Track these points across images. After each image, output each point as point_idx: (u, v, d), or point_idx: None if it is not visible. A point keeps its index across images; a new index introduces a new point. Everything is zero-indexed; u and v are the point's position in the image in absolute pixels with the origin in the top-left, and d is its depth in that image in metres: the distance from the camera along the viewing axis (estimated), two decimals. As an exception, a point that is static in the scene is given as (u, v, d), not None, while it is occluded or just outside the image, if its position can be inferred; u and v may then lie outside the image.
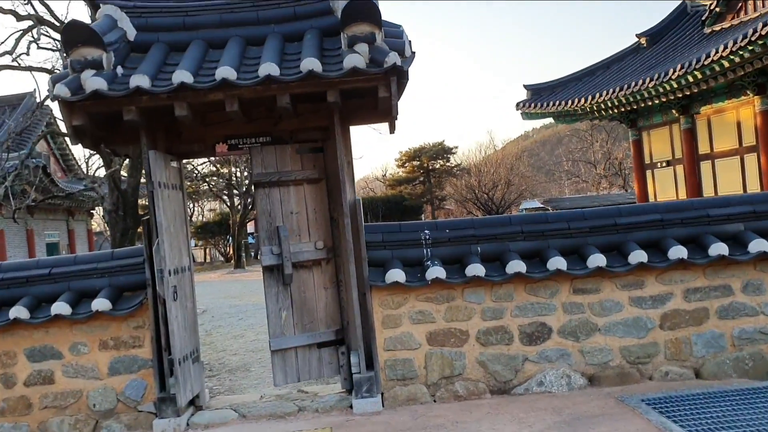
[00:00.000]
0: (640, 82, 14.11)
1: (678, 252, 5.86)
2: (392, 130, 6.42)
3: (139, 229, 12.85)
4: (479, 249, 6.10)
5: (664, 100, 14.46)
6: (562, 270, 5.86)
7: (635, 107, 15.83)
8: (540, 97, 18.84)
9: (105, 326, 5.97)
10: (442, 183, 50.38)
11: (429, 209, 51.05)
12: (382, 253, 6.08)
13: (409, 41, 5.69)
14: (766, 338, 5.98)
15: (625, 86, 14.73)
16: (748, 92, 13.21)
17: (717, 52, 11.68)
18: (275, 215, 6.06)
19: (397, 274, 5.83)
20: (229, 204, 43.01)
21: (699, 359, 5.99)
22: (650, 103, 15.04)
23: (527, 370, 5.98)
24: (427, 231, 6.15)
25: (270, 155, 6.08)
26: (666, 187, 16.89)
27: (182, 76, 5.31)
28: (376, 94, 5.55)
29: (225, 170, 41.43)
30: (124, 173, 15.29)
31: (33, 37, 13.14)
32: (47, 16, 13.24)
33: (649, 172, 17.74)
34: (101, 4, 6.19)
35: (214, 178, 43.42)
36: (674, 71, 12.99)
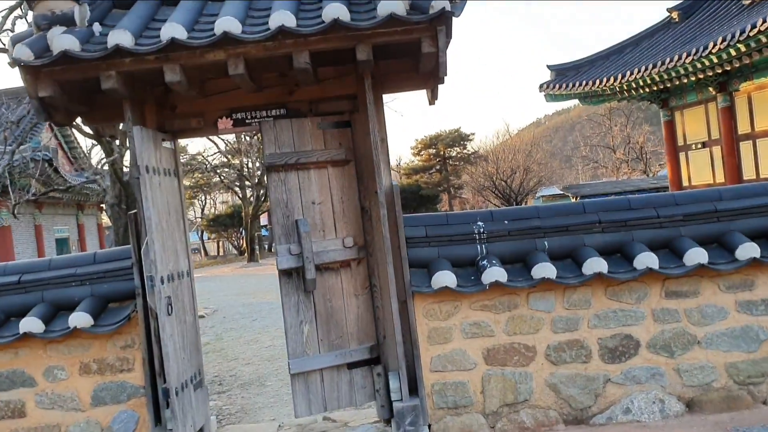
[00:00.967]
0: (676, 57, 13.29)
1: (801, 244, 4.65)
2: (434, 98, 5.24)
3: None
4: (546, 244, 4.91)
5: (701, 76, 13.60)
6: (653, 269, 4.66)
7: (668, 86, 14.97)
8: (565, 77, 18.06)
9: (86, 346, 4.86)
10: (459, 171, 49.14)
11: (446, 198, 49.81)
12: (425, 251, 4.91)
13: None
14: None
15: (659, 63, 13.92)
16: (793, 66, 12.17)
17: (765, 21, 10.57)
18: (293, 206, 4.90)
19: (446, 277, 4.66)
20: (241, 196, 42.04)
21: (826, 378, 4.79)
22: (685, 81, 14.21)
23: (610, 394, 4.80)
24: (480, 223, 4.96)
25: (285, 131, 4.91)
26: (701, 170, 16.04)
27: (173, 30, 4.15)
28: (417, 50, 4.37)
29: (236, 161, 40.40)
30: (128, 164, 14.17)
31: (21, 12, 12.01)
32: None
33: (682, 155, 16.88)
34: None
35: (226, 170, 42.46)
36: (714, 45, 12.12)
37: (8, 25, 12.33)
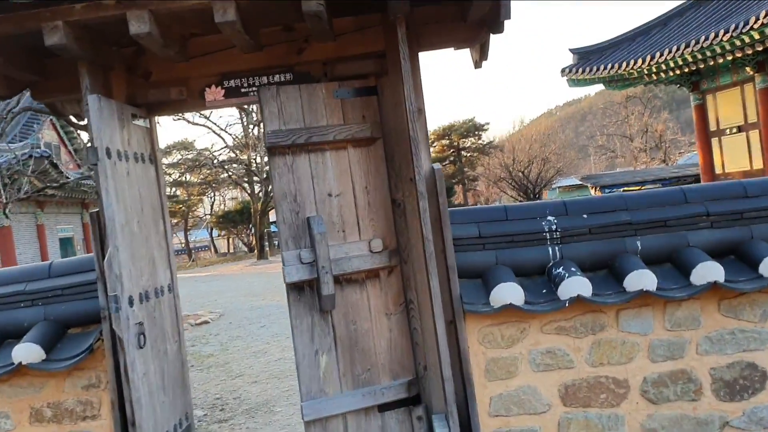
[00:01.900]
0: (712, 35, 12.43)
1: None
2: (482, 58, 4.08)
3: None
4: (639, 244, 3.72)
5: (738, 55, 12.62)
6: (787, 276, 3.47)
7: (700, 67, 14.05)
8: (588, 61, 17.24)
9: (38, 386, 3.73)
10: (473, 162, 47.89)
11: (460, 190, 48.58)
12: (479, 256, 3.74)
13: None
14: None
15: (692, 42, 13.06)
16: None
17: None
18: (303, 199, 3.74)
19: (509, 292, 3.49)
20: (249, 192, 41.01)
21: None
22: (720, 61, 13.29)
23: (728, 442, 3.62)
24: (551, 217, 3.78)
25: (292, 102, 3.74)
26: (737, 156, 15.02)
27: (136, -40, 3.01)
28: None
29: (244, 156, 39.37)
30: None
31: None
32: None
33: (715, 140, 15.90)
34: None
35: (234, 165, 41.46)
36: (757, 20, 11.16)
37: None
